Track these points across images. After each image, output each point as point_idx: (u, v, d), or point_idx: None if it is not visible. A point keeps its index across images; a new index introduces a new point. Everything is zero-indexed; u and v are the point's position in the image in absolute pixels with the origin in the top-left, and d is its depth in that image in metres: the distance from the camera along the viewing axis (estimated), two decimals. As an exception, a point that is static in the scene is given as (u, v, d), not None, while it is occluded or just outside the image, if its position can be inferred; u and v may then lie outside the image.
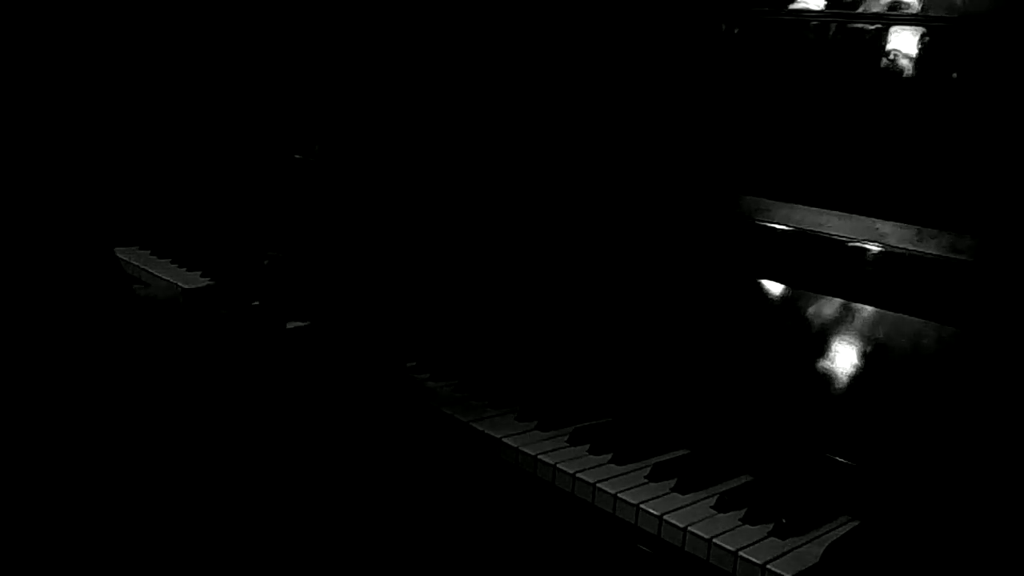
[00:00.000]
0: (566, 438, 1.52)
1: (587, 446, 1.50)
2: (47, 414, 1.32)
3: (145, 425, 1.42)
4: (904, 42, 1.52)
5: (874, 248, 1.48)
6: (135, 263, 2.37)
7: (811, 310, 1.52)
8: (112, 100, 2.60)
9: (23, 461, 1.31)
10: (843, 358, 1.46)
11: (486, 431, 1.54)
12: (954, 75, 1.48)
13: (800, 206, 1.58)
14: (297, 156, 2.43)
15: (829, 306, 1.50)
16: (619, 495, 1.37)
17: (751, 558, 1.24)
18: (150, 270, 2.31)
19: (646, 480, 1.41)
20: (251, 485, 1.63)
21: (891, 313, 1.44)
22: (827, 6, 1.62)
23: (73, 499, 1.34)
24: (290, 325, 1.86)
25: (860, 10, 1.58)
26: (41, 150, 1.41)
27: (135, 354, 1.42)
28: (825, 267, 1.52)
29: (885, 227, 1.48)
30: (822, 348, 1.48)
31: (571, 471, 1.43)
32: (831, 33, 1.60)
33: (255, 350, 1.72)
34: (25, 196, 1.36)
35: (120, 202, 2.47)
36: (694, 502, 1.37)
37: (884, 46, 1.54)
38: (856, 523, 1.35)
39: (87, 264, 1.40)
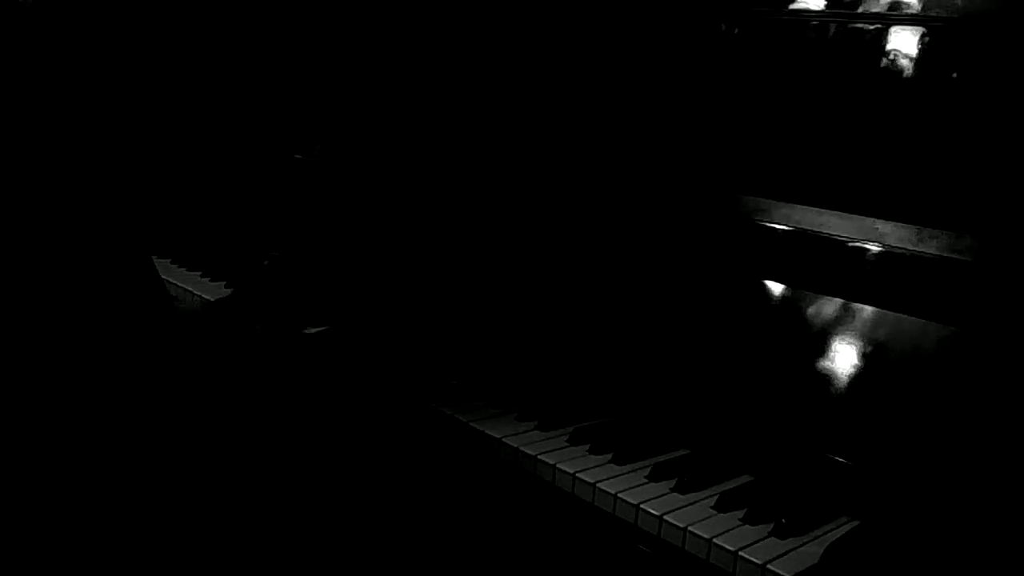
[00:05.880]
0: (566, 438, 1.52)
1: (587, 446, 1.50)
2: (81, 417, 1.32)
3: (171, 429, 1.42)
4: (904, 42, 1.52)
5: (874, 248, 1.48)
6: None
7: (811, 310, 1.52)
8: (109, 99, 2.60)
9: (54, 459, 1.31)
10: (843, 358, 1.46)
11: (486, 431, 1.54)
12: (954, 75, 1.48)
13: (800, 206, 1.58)
14: (297, 156, 2.43)
15: (829, 306, 1.50)
16: (619, 495, 1.37)
17: (751, 558, 1.24)
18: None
19: (646, 480, 1.42)
20: (260, 481, 1.63)
21: (891, 313, 1.44)
22: (827, 6, 1.62)
23: (98, 507, 1.34)
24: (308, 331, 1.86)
25: (860, 10, 1.58)
26: (73, 156, 1.41)
27: (170, 362, 1.42)
28: (825, 267, 1.52)
29: (885, 227, 1.48)
30: (822, 348, 1.48)
31: (571, 471, 1.43)
32: (831, 33, 1.60)
33: (276, 358, 1.71)
34: (63, 203, 1.36)
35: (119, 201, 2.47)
36: (694, 502, 1.37)
37: (884, 46, 1.54)
38: (856, 523, 1.35)
39: (128, 273, 1.40)
